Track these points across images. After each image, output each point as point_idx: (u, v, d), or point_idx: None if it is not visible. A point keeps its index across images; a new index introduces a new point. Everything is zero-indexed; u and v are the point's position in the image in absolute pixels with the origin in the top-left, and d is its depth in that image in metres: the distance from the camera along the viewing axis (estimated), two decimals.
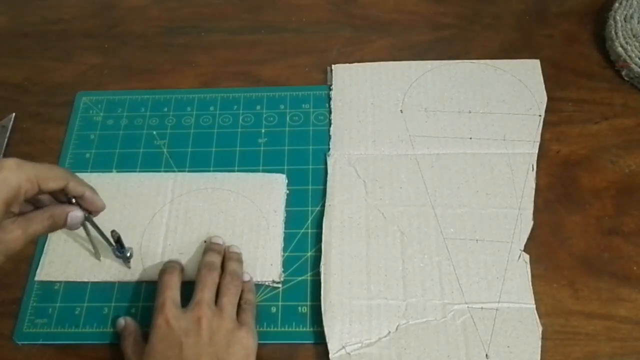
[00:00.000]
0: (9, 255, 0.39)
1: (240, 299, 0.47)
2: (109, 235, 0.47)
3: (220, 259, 0.48)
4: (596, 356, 0.45)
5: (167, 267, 0.47)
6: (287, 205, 0.53)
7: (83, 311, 0.49)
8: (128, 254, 0.49)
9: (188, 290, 0.46)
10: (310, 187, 0.54)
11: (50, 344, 0.48)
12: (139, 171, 0.55)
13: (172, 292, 0.45)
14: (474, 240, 0.50)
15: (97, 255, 0.50)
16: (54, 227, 0.42)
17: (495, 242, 0.50)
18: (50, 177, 0.40)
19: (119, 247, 0.48)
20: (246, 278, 0.48)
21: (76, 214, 0.43)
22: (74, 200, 0.42)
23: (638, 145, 0.55)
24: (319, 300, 0.47)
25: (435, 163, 0.54)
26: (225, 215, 0.52)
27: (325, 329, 0.46)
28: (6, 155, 0.58)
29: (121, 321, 0.47)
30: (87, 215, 0.44)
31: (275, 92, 0.60)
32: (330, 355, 0.45)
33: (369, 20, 0.65)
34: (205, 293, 0.44)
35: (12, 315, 0.49)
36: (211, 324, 0.42)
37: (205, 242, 0.51)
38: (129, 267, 0.50)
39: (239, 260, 0.49)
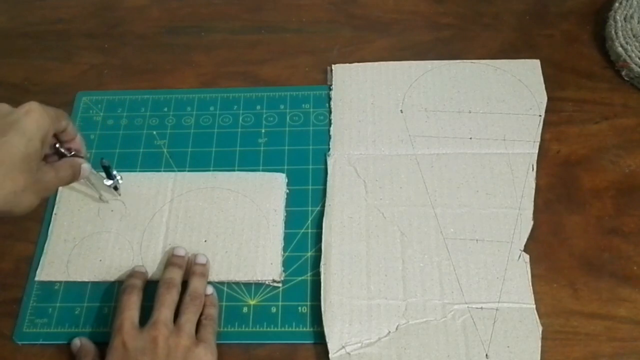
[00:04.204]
0: (42, 198, 0.42)
1: (201, 314, 0.46)
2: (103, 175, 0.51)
3: (182, 274, 0.48)
4: (596, 356, 0.45)
5: (126, 286, 0.47)
6: (287, 205, 0.53)
7: (83, 311, 0.49)
8: (118, 177, 0.51)
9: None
10: (310, 187, 0.54)
11: (50, 344, 0.48)
12: (139, 171, 0.55)
13: (130, 313, 0.44)
14: (474, 240, 0.50)
15: (102, 197, 0.53)
16: (72, 177, 0.46)
17: (495, 242, 0.50)
18: (60, 115, 0.43)
19: (108, 176, 0.51)
20: (208, 292, 0.48)
21: (86, 165, 0.47)
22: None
23: (638, 145, 0.55)
24: (319, 300, 0.47)
25: (435, 163, 0.54)
26: (225, 215, 0.52)
27: (325, 329, 0.46)
28: None
29: (76, 342, 0.47)
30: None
31: (275, 92, 0.60)
32: (330, 355, 0.45)
33: (369, 20, 0.65)
34: (162, 312, 0.44)
35: (12, 315, 0.49)
36: (168, 342, 0.42)
37: (205, 241, 0.51)
38: (119, 195, 0.53)
39: (203, 275, 0.48)
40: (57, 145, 0.45)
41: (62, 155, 0.46)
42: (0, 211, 0.39)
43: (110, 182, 0.51)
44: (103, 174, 0.50)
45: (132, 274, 0.48)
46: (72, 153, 0.46)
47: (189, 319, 0.44)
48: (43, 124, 0.40)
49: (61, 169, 0.44)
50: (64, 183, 0.45)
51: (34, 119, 0.40)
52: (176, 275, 0.47)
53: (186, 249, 0.50)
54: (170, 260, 0.49)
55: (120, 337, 0.42)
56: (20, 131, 0.39)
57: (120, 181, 0.52)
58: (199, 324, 0.45)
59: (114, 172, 0.51)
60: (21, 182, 0.39)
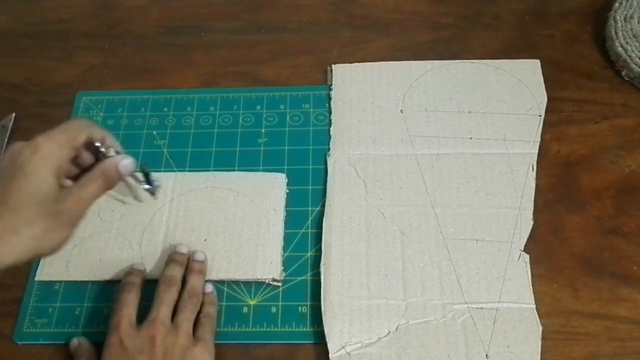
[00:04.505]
0: (76, 224, 0.41)
1: (200, 312, 0.46)
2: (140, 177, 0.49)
3: (182, 271, 0.48)
4: (596, 356, 0.45)
5: (125, 284, 0.47)
6: (287, 205, 0.53)
7: (83, 311, 0.49)
8: (157, 183, 0.50)
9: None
10: (310, 187, 0.54)
11: (50, 344, 0.48)
12: (139, 171, 0.55)
13: (128, 310, 0.44)
14: (474, 240, 0.50)
15: (138, 197, 0.52)
16: (109, 183, 0.43)
17: (495, 242, 0.50)
18: (75, 131, 0.41)
19: (147, 181, 0.50)
20: (208, 290, 0.48)
21: (126, 161, 0.43)
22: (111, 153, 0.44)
23: (638, 145, 0.55)
24: (319, 300, 0.47)
25: (435, 163, 0.54)
26: (225, 214, 0.52)
27: (325, 329, 0.46)
28: None
29: (74, 342, 0.47)
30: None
31: (275, 92, 0.60)
32: (330, 355, 0.45)
33: (369, 20, 0.65)
34: (161, 310, 0.44)
35: (12, 315, 0.49)
36: (165, 341, 0.42)
37: (205, 240, 0.51)
38: (156, 198, 0.52)
39: (201, 272, 0.48)
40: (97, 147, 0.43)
41: (98, 155, 0.44)
42: (27, 258, 0.38)
43: (148, 187, 0.50)
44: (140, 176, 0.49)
45: (131, 271, 0.48)
46: (111, 154, 0.44)
47: (186, 317, 0.44)
48: (52, 159, 0.39)
49: (87, 184, 0.41)
50: (98, 196, 0.42)
51: (40, 157, 0.39)
52: (177, 272, 0.47)
53: (188, 247, 0.50)
54: (171, 257, 0.49)
55: (117, 335, 0.42)
56: (29, 173, 0.38)
57: (159, 187, 0.51)
58: (197, 322, 0.45)
59: (153, 179, 0.50)
60: (39, 226, 0.38)
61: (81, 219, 0.41)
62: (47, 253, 0.39)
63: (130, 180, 0.48)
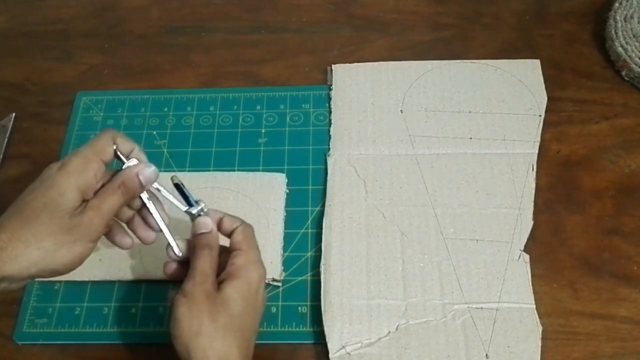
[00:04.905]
0: (94, 239, 0.38)
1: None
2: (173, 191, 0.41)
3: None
4: (596, 356, 0.45)
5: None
6: (287, 205, 0.53)
7: (83, 311, 0.49)
8: (202, 205, 0.41)
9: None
10: (310, 187, 0.54)
11: (50, 344, 0.48)
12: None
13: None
14: (474, 240, 0.50)
15: (172, 249, 0.41)
16: (130, 193, 0.39)
17: (495, 242, 0.50)
18: (103, 143, 0.39)
19: (186, 200, 0.41)
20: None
21: (147, 169, 0.40)
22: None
23: (638, 145, 0.55)
24: (319, 300, 0.47)
25: (435, 163, 0.54)
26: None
27: (325, 329, 0.46)
28: (6, 155, 0.58)
29: (207, 223, 0.41)
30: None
31: (275, 92, 0.60)
32: (330, 355, 0.45)
33: (369, 20, 0.65)
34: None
35: (12, 315, 0.49)
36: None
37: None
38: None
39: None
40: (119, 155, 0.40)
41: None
42: (34, 271, 0.36)
43: (186, 209, 0.41)
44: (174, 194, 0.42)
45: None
46: (134, 162, 0.40)
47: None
48: (76, 173, 0.38)
49: (105, 197, 0.39)
50: (118, 207, 0.39)
51: (65, 171, 0.38)
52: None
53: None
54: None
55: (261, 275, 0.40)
56: (49, 187, 0.37)
57: (204, 209, 0.41)
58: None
59: (195, 198, 0.41)
60: (50, 240, 0.36)
61: (99, 234, 0.38)
62: (59, 270, 0.37)
63: (162, 196, 0.42)
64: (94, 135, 0.57)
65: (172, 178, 0.41)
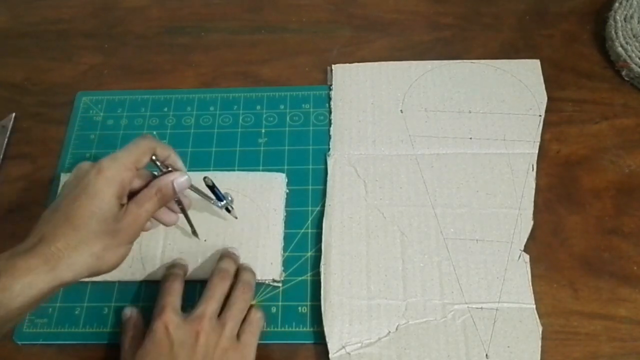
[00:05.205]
0: (133, 241, 0.43)
1: (247, 314, 0.45)
2: (207, 191, 0.47)
3: (235, 267, 0.48)
4: (596, 356, 0.46)
5: (170, 274, 0.47)
6: (287, 205, 0.53)
7: (83, 311, 0.49)
8: (229, 198, 0.48)
9: (189, 291, 0.47)
10: (310, 187, 0.54)
11: (50, 344, 0.48)
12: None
13: (172, 299, 0.44)
14: (474, 240, 0.50)
15: (195, 233, 0.50)
16: (165, 199, 0.44)
17: (495, 242, 0.50)
18: (141, 153, 0.43)
19: (217, 197, 0.47)
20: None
21: (181, 178, 0.44)
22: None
23: (638, 145, 0.55)
24: (319, 300, 0.47)
25: (435, 163, 0.54)
26: (224, 215, 0.52)
27: (325, 329, 0.46)
28: (6, 155, 0.58)
29: (127, 312, 0.47)
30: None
31: (275, 92, 0.60)
32: (330, 355, 0.45)
33: (369, 20, 0.65)
34: (210, 305, 0.43)
35: None
36: (208, 340, 0.42)
37: (205, 240, 0.51)
38: (236, 217, 0.50)
39: (253, 273, 0.48)
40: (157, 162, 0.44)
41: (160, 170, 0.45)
42: (85, 275, 0.39)
43: (221, 204, 0.48)
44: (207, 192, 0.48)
45: (174, 264, 0.49)
46: (169, 169, 0.45)
47: (233, 317, 0.44)
48: (114, 181, 0.41)
49: (143, 201, 0.43)
50: (154, 211, 0.44)
51: (104, 178, 0.40)
52: (231, 267, 0.47)
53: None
54: (225, 253, 0.49)
55: (162, 322, 0.42)
56: (92, 195, 0.40)
57: (232, 203, 0.48)
58: (245, 324, 0.45)
59: (224, 192, 0.47)
60: (98, 244, 0.39)
61: (137, 236, 0.43)
62: (104, 270, 0.41)
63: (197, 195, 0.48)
64: (94, 136, 0.58)
65: (204, 179, 0.46)
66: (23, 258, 0.37)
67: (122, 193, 0.41)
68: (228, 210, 0.50)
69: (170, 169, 0.45)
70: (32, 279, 0.36)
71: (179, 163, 0.46)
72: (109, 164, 0.41)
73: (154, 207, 0.43)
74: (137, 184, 0.44)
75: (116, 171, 0.41)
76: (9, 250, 0.38)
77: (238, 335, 0.44)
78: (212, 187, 0.47)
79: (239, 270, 0.48)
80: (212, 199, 0.48)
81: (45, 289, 0.37)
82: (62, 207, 0.40)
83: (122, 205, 0.42)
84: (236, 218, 0.51)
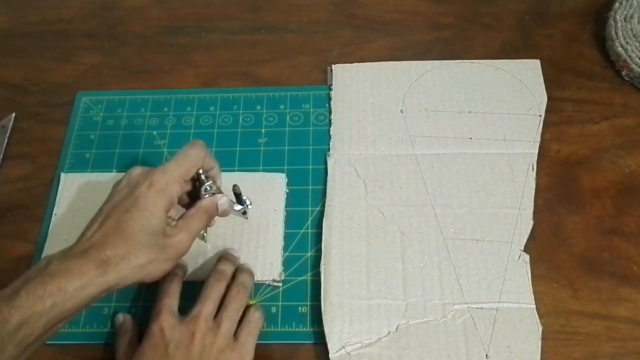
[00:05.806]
0: (178, 258, 0.43)
1: (246, 314, 0.46)
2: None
3: (233, 269, 0.48)
4: (596, 356, 0.45)
5: (168, 274, 0.47)
6: (287, 205, 0.53)
7: (83, 311, 0.49)
8: (248, 202, 0.49)
9: (188, 291, 0.47)
10: (310, 187, 0.54)
11: (50, 344, 0.48)
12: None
13: (170, 300, 0.44)
14: (474, 240, 0.50)
15: (204, 237, 0.51)
16: (210, 220, 0.46)
17: (495, 242, 0.50)
18: (191, 165, 0.44)
19: (240, 203, 0.49)
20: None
21: (223, 200, 0.46)
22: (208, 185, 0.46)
23: (638, 145, 0.55)
24: (319, 300, 0.47)
25: (435, 163, 0.54)
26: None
27: (325, 329, 0.46)
28: (6, 155, 0.58)
29: (119, 317, 0.47)
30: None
31: (275, 92, 0.60)
32: (330, 355, 0.45)
33: (369, 20, 0.65)
34: (206, 306, 0.44)
35: None
36: (204, 340, 0.42)
37: (205, 241, 0.51)
38: (246, 218, 0.51)
39: (251, 275, 0.48)
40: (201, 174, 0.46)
41: (201, 184, 0.46)
42: (130, 283, 0.40)
43: (239, 208, 0.49)
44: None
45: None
46: (210, 182, 0.46)
47: (229, 317, 0.44)
48: (164, 194, 0.42)
49: (193, 221, 0.44)
50: (201, 229, 0.45)
51: (154, 192, 0.41)
52: (228, 268, 0.48)
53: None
54: (223, 255, 0.49)
55: (158, 324, 0.42)
56: (143, 207, 0.41)
57: (249, 206, 0.50)
58: (242, 323, 0.45)
59: (244, 198, 0.49)
60: (145, 256, 0.40)
61: (184, 254, 0.44)
62: (147, 281, 0.42)
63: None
64: (94, 136, 0.58)
65: (233, 187, 0.48)
66: (76, 262, 0.38)
67: (170, 206, 0.43)
68: (244, 213, 0.50)
69: (212, 189, 0.46)
70: (84, 282, 0.38)
71: (219, 179, 0.48)
72: (159, 177, 0.42)
73: (202, 225, 0.45)
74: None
75: (166, 185, 0.42)
76: (59, 252, 0.40)
77: (236, 335, 0.44)
78: (239, 195, 0.48)
79: (237, 271, 0.48)
80: (233, 202, 0.49)
81: (95, 293, 0.38)
82: (114, 216, 0.41)
83: (169, 217, 0.43)
84: (246, 218, 0.51)
